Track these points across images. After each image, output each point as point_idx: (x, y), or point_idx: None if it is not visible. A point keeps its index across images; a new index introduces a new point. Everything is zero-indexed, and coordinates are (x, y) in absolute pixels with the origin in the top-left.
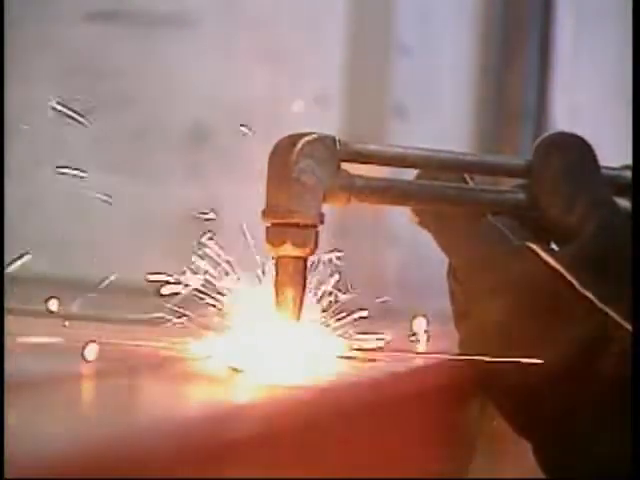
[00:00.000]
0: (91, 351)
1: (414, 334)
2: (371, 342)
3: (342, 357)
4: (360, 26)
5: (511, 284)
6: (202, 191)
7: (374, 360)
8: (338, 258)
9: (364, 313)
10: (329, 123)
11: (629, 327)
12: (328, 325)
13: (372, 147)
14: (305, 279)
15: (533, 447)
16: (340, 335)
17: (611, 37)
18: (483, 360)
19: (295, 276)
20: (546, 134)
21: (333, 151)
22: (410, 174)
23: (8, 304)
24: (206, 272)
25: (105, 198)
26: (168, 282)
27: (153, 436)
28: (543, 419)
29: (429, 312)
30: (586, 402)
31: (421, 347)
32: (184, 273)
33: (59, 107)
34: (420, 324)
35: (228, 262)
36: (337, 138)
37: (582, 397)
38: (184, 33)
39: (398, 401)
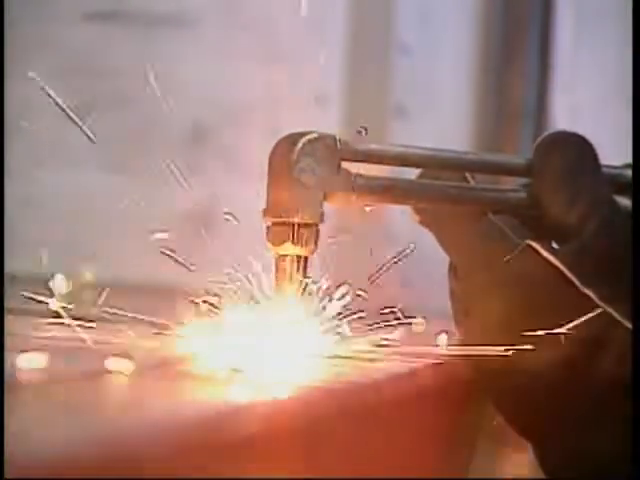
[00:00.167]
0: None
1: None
2: (370, 342)
3: (342, 357)
4: (360, 26)
5: (512, 282)
6: (202, 191)
7: (374, 360)
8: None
9: (363, 313)
10: (329, 123)
11: (629, 325)
12: (328, 325)
13: (373, 146)
14: (305, 278)
15: (533, 447)
16: (340, 335)
17: (611, 37)
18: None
19: (295, 275)
20: (547, 133)
21: (334, 150)
22: (410, 173)
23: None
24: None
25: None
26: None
27: (153, 436)
28: (543, 419)
29: (429, 312)
30: (586, 401)
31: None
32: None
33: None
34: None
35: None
36: (338, 137)
37: (582, 396)
38: (183, 33)
39: (398, 401)
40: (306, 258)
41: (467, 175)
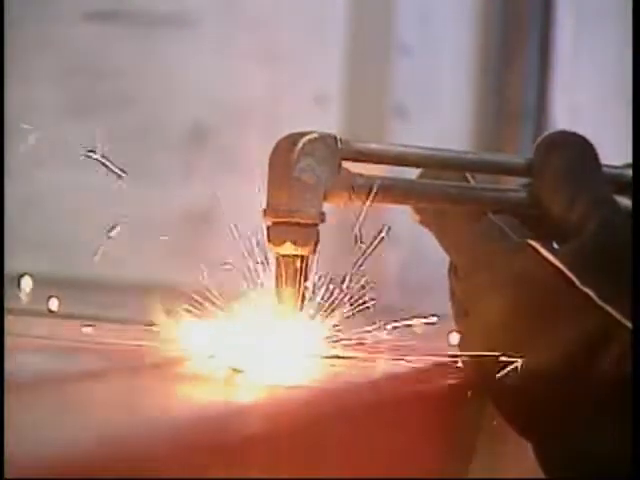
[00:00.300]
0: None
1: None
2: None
3: (341, 357)
4: (360, 26)
5: (512, 282)
6: (201, 191)
7: (374, 360)
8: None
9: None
10: (329, 123)
11: (629, 325)
12: (328, 324)
13: (373, 146)
14: (306, 278)
15: (533, 447)
16: (340, 334)
17: (611, 37)
18: (483, 359)
19: (296, 275)
20: (547, 133)
21: (334, 150)
22: (410, 173)
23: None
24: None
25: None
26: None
27: (153, 436)
28: (543, 419)
29: (429, 311)
30: (586, 401)
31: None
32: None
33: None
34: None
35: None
36: (338, 137)
37: (582, 396)
38: (184, 33)
39: (398, 401)
40: (306, 258)
41: (467, 175)
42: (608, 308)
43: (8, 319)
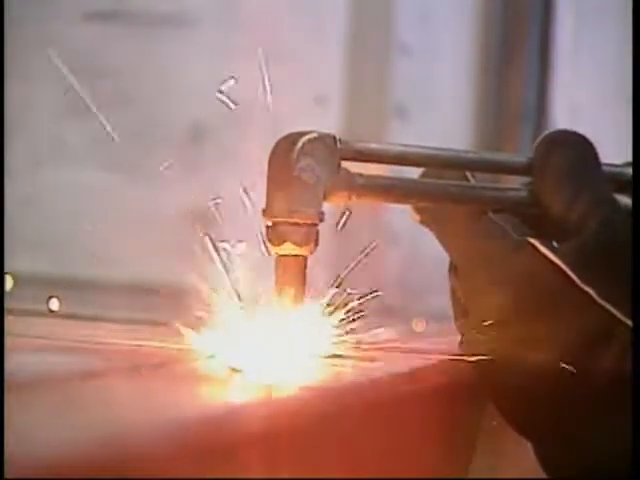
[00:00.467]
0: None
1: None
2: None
3: (342, 357)
4: (360, 26)
5: (512, 281)
6: (201, 190)
7: (374, 360)
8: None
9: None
10: (329, 123)
11: (629, 323)
12: (328, 324)
13: (373, 146)
14: (305, 278)
15: (533, 447)
16: (340, 334)
17: (611, 36)
18: (483, 359)
19: (295, 275)
20: (547, 132)
21: (333, 150)
22: (411, 173)
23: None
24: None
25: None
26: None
27: (153, 436)
28: (543, 418)
29: (429, 311)
30: (586, 400)
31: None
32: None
33: None
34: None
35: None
36: (337, 137)
37: (582, 395)
38: (183, 33)
39: (398, 401)
40: (306, 258)
41: (467, 174)
42: (608, 307)
43: (8, 319)
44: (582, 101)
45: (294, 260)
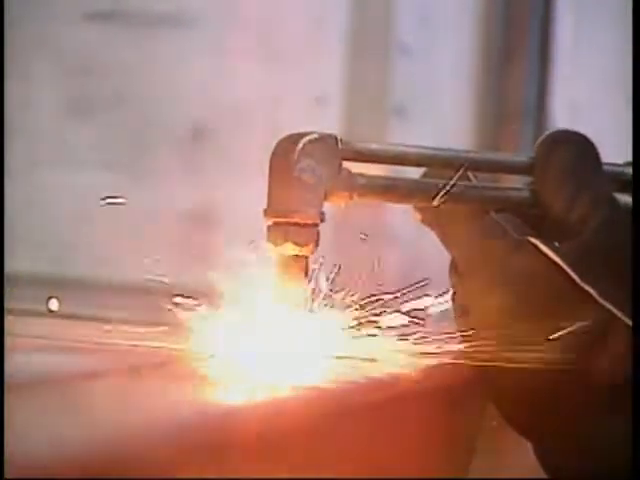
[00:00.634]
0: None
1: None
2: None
3: (342, 357)
4: (360, 26)
5: (513, 279)
6: (201, 190)
7: (374, 360)
8: None
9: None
10: (329, 123)
11: (629, 323)
12: (329, 323)
13: (373, 146)
14: (306, 277)
15: (533, 447)
16: (341, 333)
17: (611, 36)
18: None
19: (296, 275)
20: (548, 132)
21: (334, 150)
22: (411, 172)
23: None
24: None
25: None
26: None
27: (153, 436)
28: (543, 419)
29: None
30: (586, 400)
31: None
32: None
33: None
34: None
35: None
36: (338, 137)
37: (582, 395)
38: (183, 33)
39: (398, 401)
40: (307, 258)
41: (469, 174)
42: (608, 306)
43: (8, 319)
44: (582, 100)
45: (295, 260)
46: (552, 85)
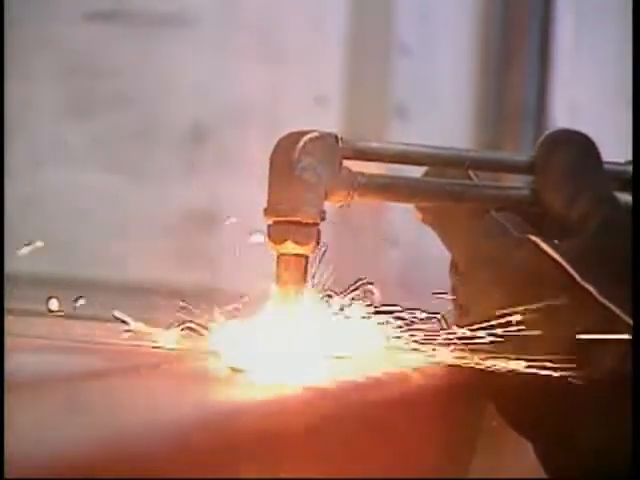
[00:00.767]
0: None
1: None
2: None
3: (343, 357)
4: (360, 26)
5: (514, 279)
6: (201, 190)
7: (375, 360)
8: None
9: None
10: (329, 123)
11: (630, 322)
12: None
13: (374, 144)
14: (306, 277)
15: (534, 447)
16: (341, 333)
17: (611, 36)
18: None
19: (296, 273)
20: (549, 131)
21: (335, 149)
22: (412, 171)
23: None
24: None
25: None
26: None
27: (153, 436)
28: (543, 419)
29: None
30: (586, 399)
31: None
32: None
33: None
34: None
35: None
36: (339, 136)
37: (582, 394)
38: (183, 33)
39: (398, 401)
40: (307, 257)
41: (470, 173)
42: (608, 304)
43: (8, 319)
44: (582, 100)
45: (295, 259)
46: (552, 85)
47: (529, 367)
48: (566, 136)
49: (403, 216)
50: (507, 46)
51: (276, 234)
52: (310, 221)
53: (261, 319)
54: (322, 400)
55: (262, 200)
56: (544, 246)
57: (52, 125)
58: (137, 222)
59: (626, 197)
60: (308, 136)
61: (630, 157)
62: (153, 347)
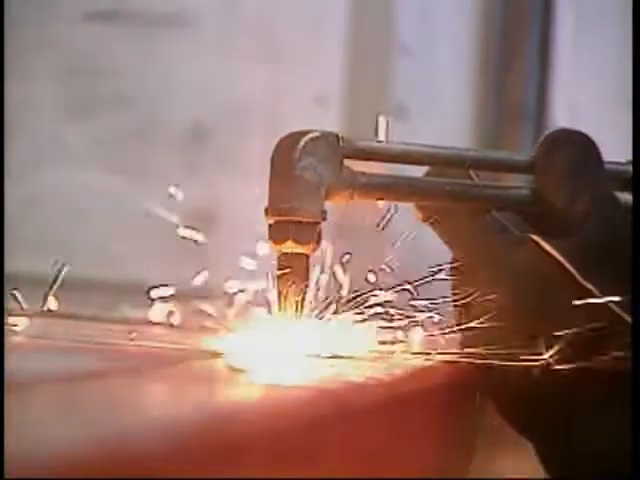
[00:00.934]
0: None
1: None
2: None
3: (342, 357)
4: (360, 26)
5: (514, 278)
6: (202, 191)
7: (374, 360)
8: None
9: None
10: (329, 123)
11: (629, 320)
12: (329, 323)
13: (375, 144)
14: (307, 276)
15: (534, 447)
16: (341, 333)
17: (611, 37)
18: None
19: (297, 273)
20: (549, 130)
21: (336, 148)
22: (412, 171)
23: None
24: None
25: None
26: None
27: (153, 436)
28: (543, 419)
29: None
30: (586, 399)
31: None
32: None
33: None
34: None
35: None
36: (340, 135)
37: (582, 393)
38: (184, 33)
39: (398, 401)
40: (308, 256)
41: (471, 172)
42: (609, 304)
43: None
44: (582, 101)
45: (296, 258)
46: (552, 86)
47: (527, 361)
48: (566, 136)
49: (404, 215)
50: (507, 46)
51: (277, 233)
52: (311, 220)
53: (261, 319)
54: (321, 400)
55: (262, 200)
56: (545, 245)
57: (52, 125)
58: (137, 222)
59: (626, 197)
60: (309, 136)
61: (630, 157)
62: (153, 347)
